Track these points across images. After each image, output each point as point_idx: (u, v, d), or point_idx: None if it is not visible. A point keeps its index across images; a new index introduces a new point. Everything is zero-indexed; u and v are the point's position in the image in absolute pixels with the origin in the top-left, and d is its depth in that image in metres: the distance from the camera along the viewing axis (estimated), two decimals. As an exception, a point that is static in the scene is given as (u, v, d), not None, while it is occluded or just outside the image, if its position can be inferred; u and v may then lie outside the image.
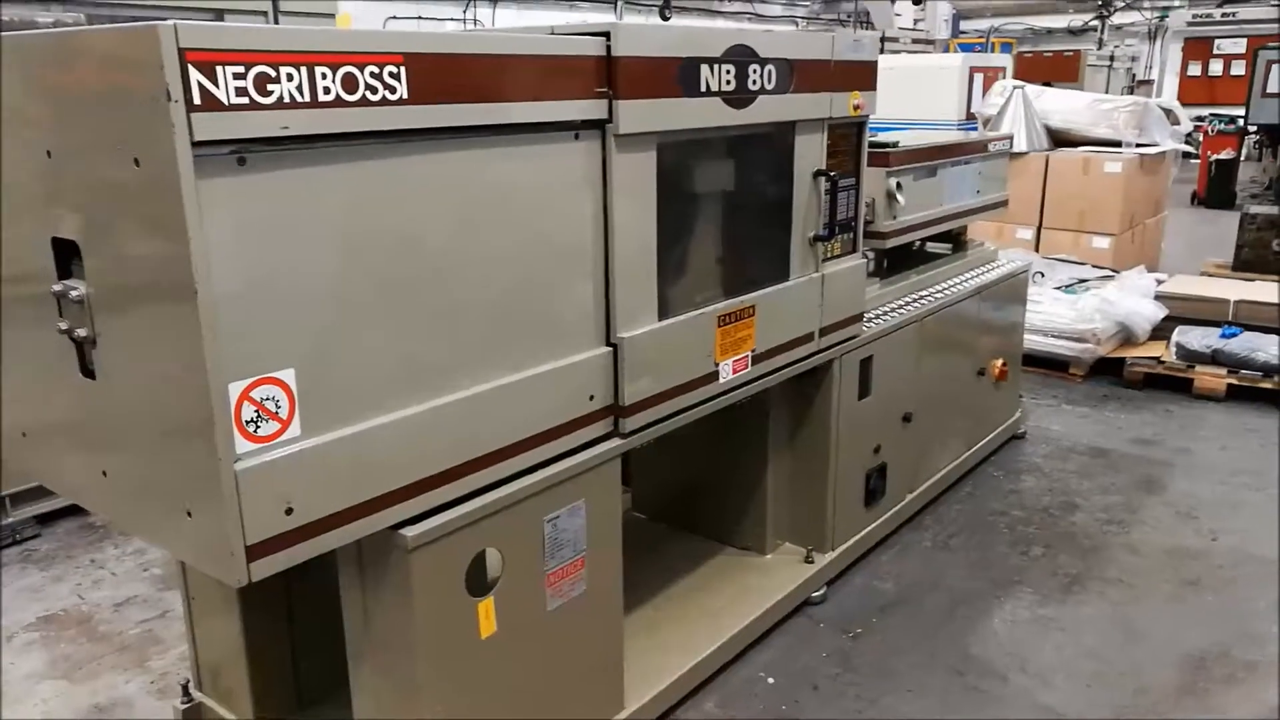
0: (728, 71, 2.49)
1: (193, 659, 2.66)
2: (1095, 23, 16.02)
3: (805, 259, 2.97)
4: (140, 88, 1.51)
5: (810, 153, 2.90)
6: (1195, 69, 17.51)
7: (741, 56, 2.53)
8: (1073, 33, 17.19)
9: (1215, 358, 5.33)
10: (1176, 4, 16.69)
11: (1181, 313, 5.74)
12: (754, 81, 2.58)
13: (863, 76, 3.03)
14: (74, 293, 1.79)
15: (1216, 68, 17.28)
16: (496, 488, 2.13)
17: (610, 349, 2.36)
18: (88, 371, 1.87)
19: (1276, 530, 3.81)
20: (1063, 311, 5.62)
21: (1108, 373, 5.67)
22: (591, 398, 2.33)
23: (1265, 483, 4.27)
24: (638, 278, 2.38)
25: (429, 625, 2.02)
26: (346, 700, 2.59)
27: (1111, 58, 14.77)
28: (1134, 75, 15.64)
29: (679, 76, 2.36)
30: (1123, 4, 15.99)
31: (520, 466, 2.19)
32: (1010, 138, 5.09)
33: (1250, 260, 7.45)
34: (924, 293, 3.90)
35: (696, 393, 2.62)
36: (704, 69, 2.42)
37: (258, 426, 1.69)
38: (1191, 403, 5.28)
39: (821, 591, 3.34)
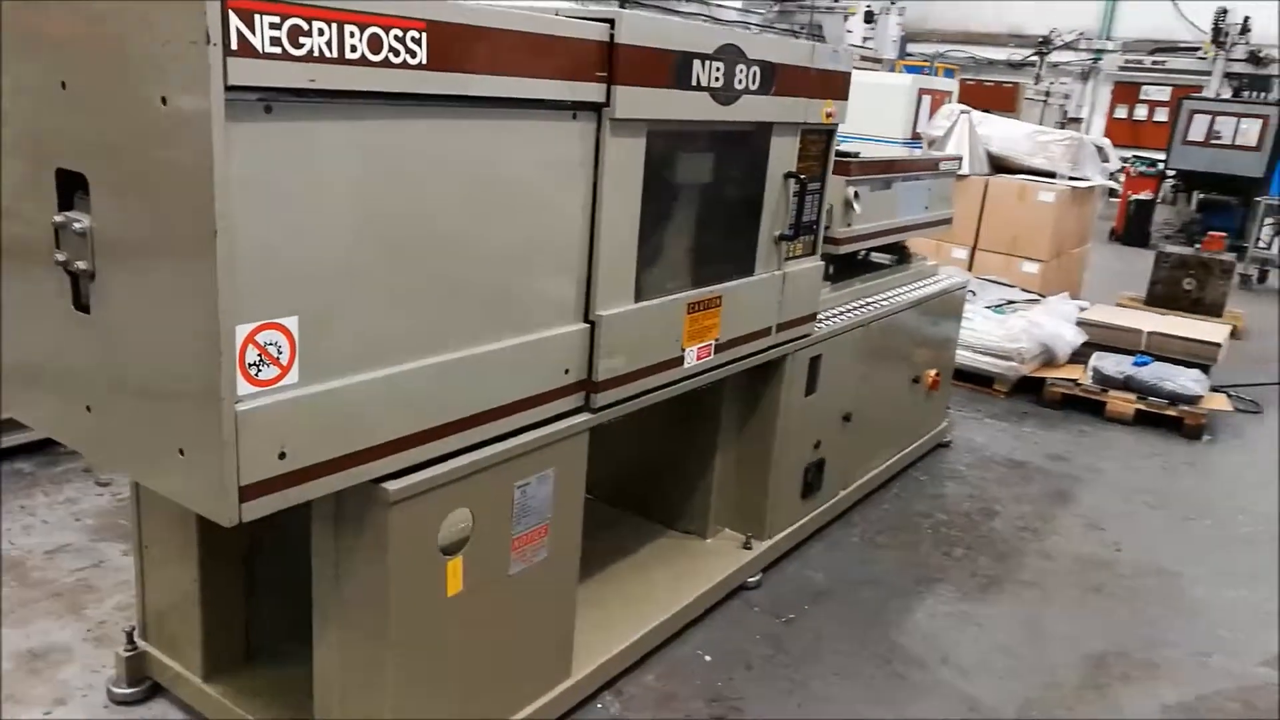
0: (717, 69, 2.59)
1: (139, 607, 2.65)
2: (1034, 58, 16.64)
3: (769, 256, 3.09)
4: (178, 28, 1.54)
5: (783, 155, 3.02)
6: (1122, 111, 18.33)
7: (730, 55, 2.63)
8: (1012, 66, 17.82)
9: (1127, 384, 5.65)
10: (1110, 48, 17.44)
11: (1099, 339, 6.06)
12: (739, 80, 2.69)
13: (837, 86, 3.16)
14: (77, 225, 1.80)
15: (1142, 112, 18.11)
16: (472, 450, 2.20)
17: (588, 326, 2.44)
18: (81, 305, 1.87)
19: (1174, 546, 4.09)
20: (992, 330, 5.88)
21: (1028, 391, 5.95)
22: (567, 371, 2.41)
23: (1165, 502, 4.56)
24: (619, 259, 2.47)
25: (401, 580, 2.07)
26: (295, 653, 2.63)
27: (1047, 93, 15.39)
28: (1065, 112, 16.31)
29: (673, 69, 2.45)
30: (1060, 44, 16.65)
31: (496, 432, 2.25)
32: (960, 159, 5.31)
33: (1161, 296, 7.86)
34: (870, 299, 4.06)
35: (662, 375, 2.72)
36: (696, 64, 2.52)
37: (259, 370, 1.72)
38: (1103, 424, 5.58)
39: (757, 578, 3.47)
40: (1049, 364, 6.04)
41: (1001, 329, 5.89)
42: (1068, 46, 17.19)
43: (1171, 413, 5.49)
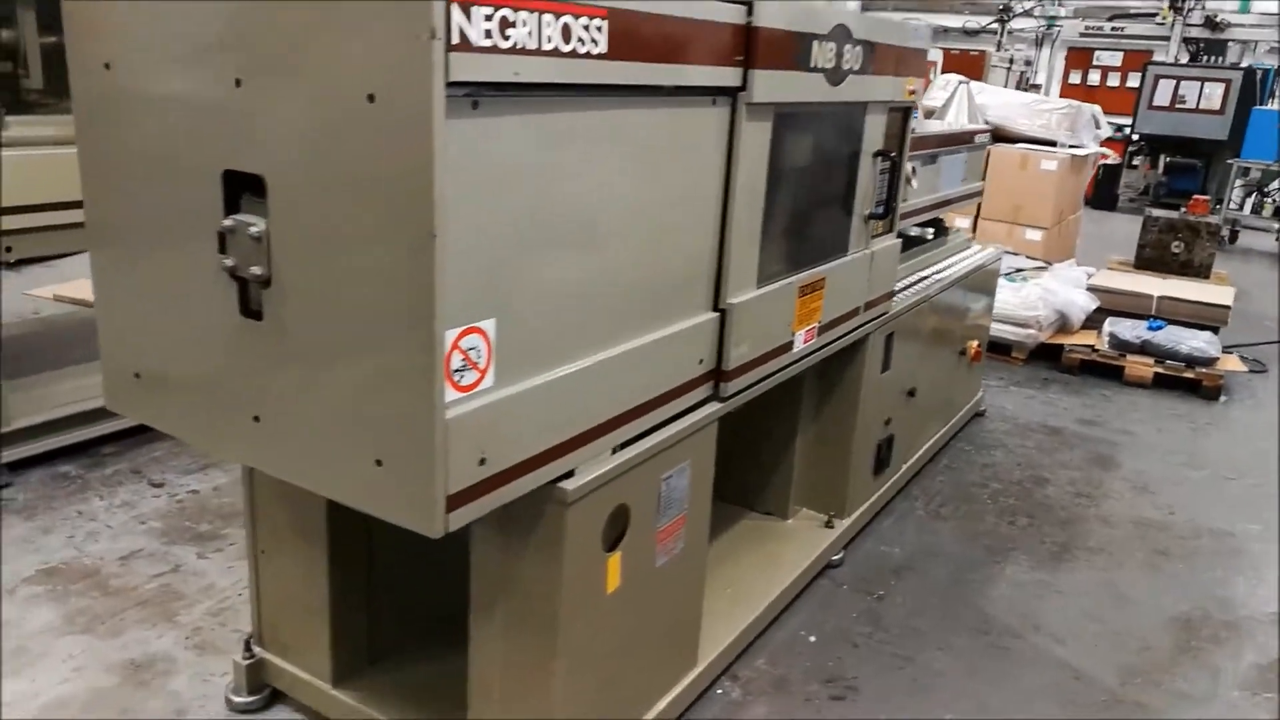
0: (830, 49, 2.56)
1: (254, 613, 2.57)
2: (995, 25, 16.75)
3: (860, 235, 3.08)
4: (395, 22, 1.47)
5: (875, 133, 3.00)
6: (1075, 77, 18.58)
7: (841, 35, 2.60)
8: (968, 33, 17.92)
9: (1144, 348, 5.76)
10: (1064, 14, 17.62)
11: (1109, 305, 6.17)
12: (847, 61, 2.66)
13: (918, 63, 3.15)
14: (252, 229, 1.72)
15: (1095, 78, 18.38)
16: (627, 446, 2.16)
17: (718, 314, 2.40)
18: (251, 312, 1.79)
19: (1221, 506, 4.19)
20: (1008, 298, 5.94)
21: (1043, 358, 6.05)
22: (700, 361, 2.38)
23: (1201, 463, 4.68)
24: (746, 246, 2.44)
25: (572, 579, 2.04)
26: (418, 653, 2.60)
27: (1010, 60, 15.50)
28: (1026, 78, 16.47)
29: (796, 51, 2.41)
30: (1020, 10, 16.78)
31: (645, 426, 2.21)
32: (989, 131, 5.33)
33: (1151, 259, 8.00)
34: (924, 274, 4.08)
35: (778, 360, 2.70)
36: (814, 45, 2.48)
37: (462, 376, 1.67)
38: (1123, 388, 5.70)
39: (840, 556, 3.49)
40: (1062, 330, 6.14)
41: (1018, 297, 5.96)
42: (1026, 14, 17.33)
43: (1189, 375, 5.62)
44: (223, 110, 1.71)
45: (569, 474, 1.99)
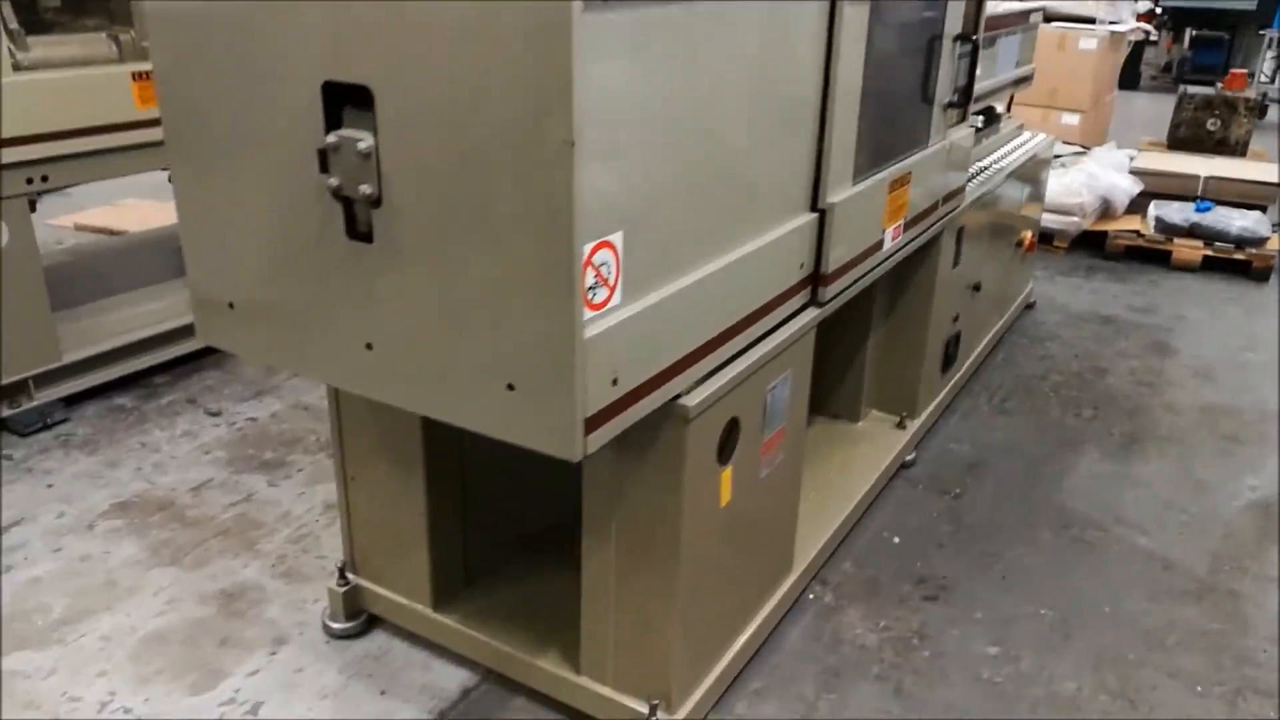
0: (920, -77, 2.39)
1: (346, 539, 2.53)
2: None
3: (940, 125, 2.94)
4: (525, -95, 1.33)
5: (955, 15, 2.84)
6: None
7: (930, -93, 2.42)
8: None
9: (1192, 231, 5.64)
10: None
11: (1154, 188, 6.02)
12: (934, -64, 2.49)
13: (997, -64, 2.96)
14: (361, 144, 1.60)
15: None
16: (737, 359, 2.08)
17: (817, 215, 2.30)
18: (359, 234, 1.69)
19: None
20: (1050, 185, 5.79)
21: (1085, 246, 5.93)
22: (801, 266, 2.28)
23: (1259, 345, 4.61)
24: (844, 140, 2.31)
25: (692, 495, 1.98)
26: (510, 574, 2.57)
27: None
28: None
29: (892, -75, 2.25)
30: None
31: (751, 338, 2.13)
32: (1042, 9, 5.09)
33: (1185, 139, 7.80)
34: (983, 163, 3.94)
35: (870, 260, 2.60)
36: (906, -81, 2.31)
37: (594, 293, 1.58)
38: (1170, 273, 5.60)
39: (913, 456, 3.45)
40: (1105, 216, 6.00)
41: (1060, 184, 5.81)
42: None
43: (1239, 256, 5.51)
44: (322, 14, 1.58)
45: (686, 391, 1.92)
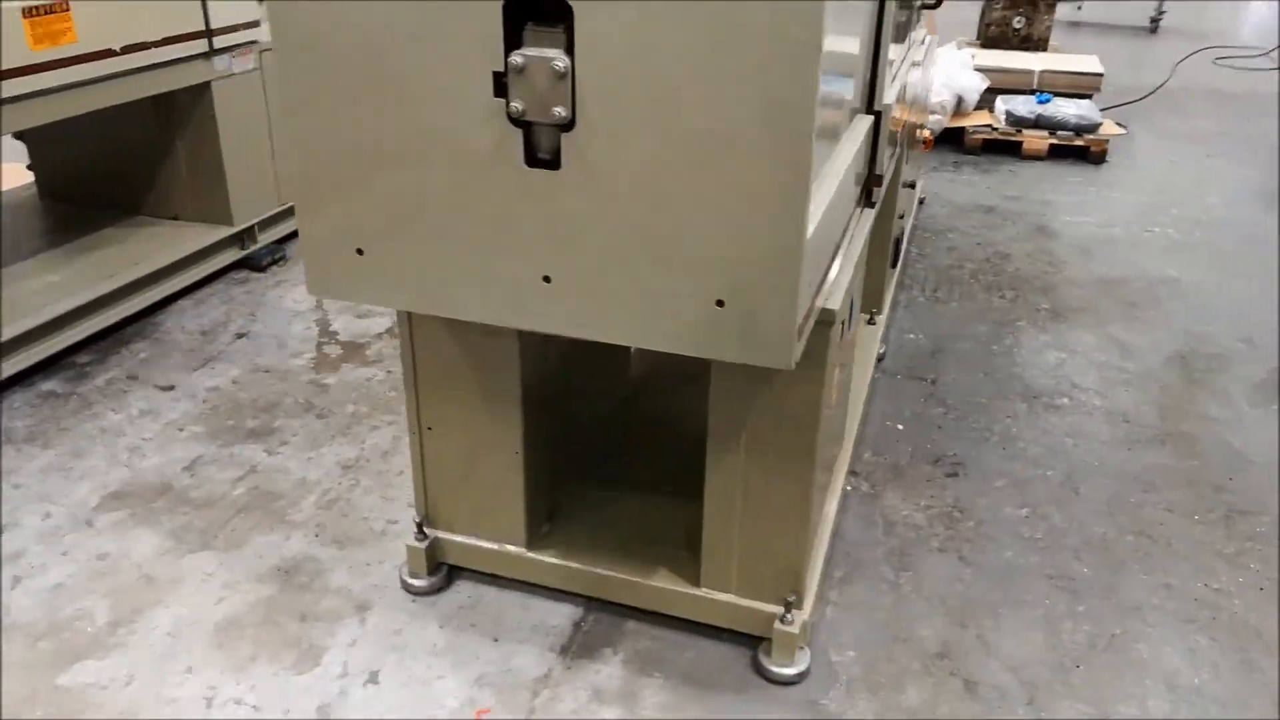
0: None
1: (420, 492, 2.45)
2: None
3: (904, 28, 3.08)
4: None
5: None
6: None
7: None
8: None
9: (1037, 122, 6.15)
10: None
11: (997, 83, 6.49)
12: None
13: None
14: (557, 63, 1.52)
15: None
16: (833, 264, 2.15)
17: (874, 116, 2.38)
18: (540, 161, 1.62)
19: (1158, 257, 4.68)
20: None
21: (944, 142, 6.34)
22: (857, 173, 2.36)
23: (1118, 220, 5.15)
24: (890, 42, 2.39)
25: (826, 399, 2.06)
26: (587, 503, 2.57)
27: None
28: None
29: None
30: None
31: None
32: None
33: (995, 37, 8.41)
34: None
35: (891, 166, 2.71)
36: None
37: (803, 202, 1.60)
38: (1023, 162, 6.10)
39: (883, 349, 3.67)
40: (957, 113, 6.43)
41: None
42: None
43: (1079, 143, 6.08)
44: (504, -72, 1.48)
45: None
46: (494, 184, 1.66)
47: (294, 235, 4.52)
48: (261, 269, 4.24)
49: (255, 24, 4.07)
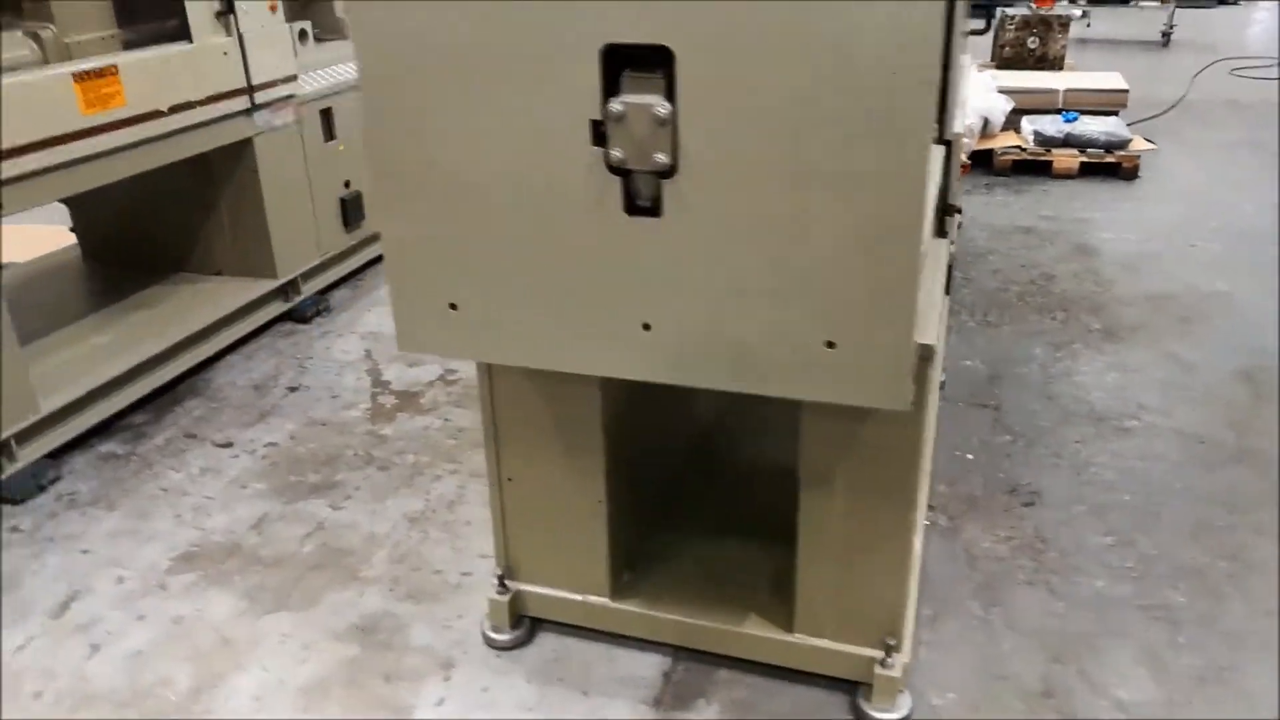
0: None
1: (501, 545, 2.40)
2: None
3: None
4: None
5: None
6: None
7: None
8: None
9: (1066, 141, 6.13)
10: None
11: (1021, 104, 6.48)
12: None
13: None
14: (659, 110, 1.50)
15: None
16: (925, 293, 2.12)
17: (945, 145, 2.35)
18: (639, 210, 1.60)
19: (1196, 268, 4.63)
20: (938, 112, 6.12)
21: (973, 164, 6.32)
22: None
23: (1158, 234, 5.11)
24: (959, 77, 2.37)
25: (926, 435, 2.02)
26: (667, 551, 2.52)
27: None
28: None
29: None
30: None
31: (926, 271, 2.18)
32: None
33: (1010, 58, 8.44)
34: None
35: (958, 190, 2.69)
36: None
37: (912, 239, 1.57)
38: (1055, 181, 6.07)
39: (943, 377, 3.62)
40: (983, 135, 6.42)
41: (945, 109, 6.15)
42: None
43: (1110, 159, 6.05)
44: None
45: (915, 329, 1.94)
46: (592, 234, 1.63)
47: (336, 285, 4.55)
48: (306, 320, 4.24)
49: (293, 78, 4.11)
